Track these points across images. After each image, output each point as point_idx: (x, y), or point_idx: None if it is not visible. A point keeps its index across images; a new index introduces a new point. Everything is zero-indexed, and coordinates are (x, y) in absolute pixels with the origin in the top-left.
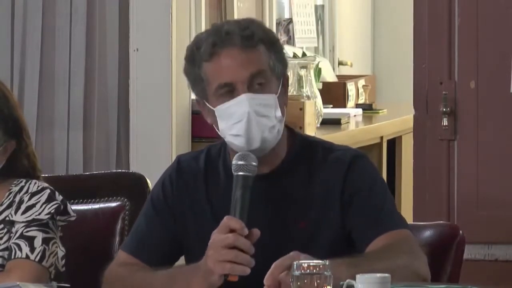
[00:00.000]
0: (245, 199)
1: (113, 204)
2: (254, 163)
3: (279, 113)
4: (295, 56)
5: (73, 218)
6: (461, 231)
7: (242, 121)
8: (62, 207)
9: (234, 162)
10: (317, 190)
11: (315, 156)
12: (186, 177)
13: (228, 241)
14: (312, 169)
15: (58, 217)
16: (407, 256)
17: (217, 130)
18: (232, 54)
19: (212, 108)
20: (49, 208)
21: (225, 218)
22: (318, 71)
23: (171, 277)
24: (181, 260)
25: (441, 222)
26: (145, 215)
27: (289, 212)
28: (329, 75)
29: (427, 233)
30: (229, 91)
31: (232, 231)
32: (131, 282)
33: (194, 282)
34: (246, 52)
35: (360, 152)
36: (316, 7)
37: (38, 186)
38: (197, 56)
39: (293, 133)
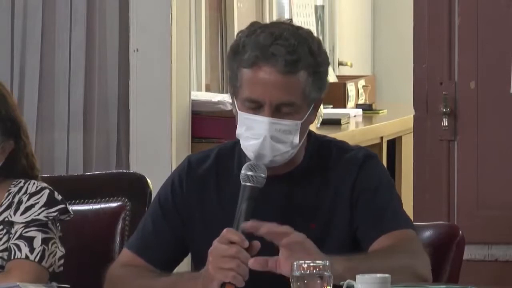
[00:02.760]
0: (249, 212)
1: (114, 205)
2: (263, 175)
3: (296, 140)
4: None
5: (69, 218)
6: (461, 232)
7: (257, 141)
8: (63, 209)
9: (243, 171)
10: (331, 191)
11: (330, 157)
12: (196, 178)
13: (230, 252)
14: (326, 170)
15: (59, 217)
16: (408, 257)
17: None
18: (270, 74)
19: (237, 108)
20: (49, 213)
21: (225, 230)
22: None
23: (172, 284)
24: (186, 261)
25: (441, 222)
26: (152, 215)
27: (303, 212)
28: (329, 75)
29: (427, 233)
30: (255, 107)
31: (232, 243)
32: (132, 287)
33: None
34: (284, 77)
35: (371, 152)
36: (316, 7)
37: (37, 187)
38: (240, 55)
39: (308, 134)
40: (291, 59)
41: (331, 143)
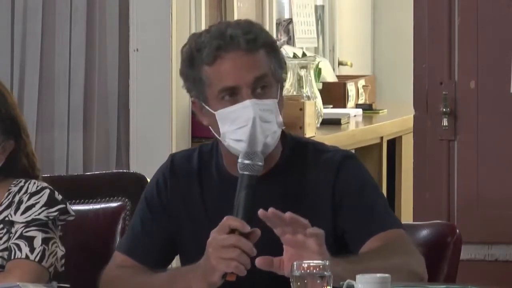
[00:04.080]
0: (248, 200)
1: (114, 204)
2: (260, 163)
3: (280, 119)
4: (295, 56)
5: (71, 218)
6: (458, 230)
7: (247, 126)
8: (64, 209)
9: (240, 160)
10: (309, 192)
11: (307, 157)
12: (180, 176)
13: (230, 241)
14: (303, 171)
15: (59, 217)
16: (402, 256)
17: (213, 133)
18: (237, 57)
19: (212, 111)
20: (49, 213)
21: (225, 218)
22: (318, 71)
23: (170, 278)
24: (177, 260)
25: (438, 221)
26: (140, 214)
27: (286, 208)
28: (329, 75)
29: (424, 232)
30: (232, 95)
31: (232, 231)
32: (130, 285)
33: (194, 282)
34: (249, 56)
35: (350, 153)
36: (316, 7)
37: (38, 186)
38: (197, 59)
39: (283, 134)
40: (250, 38)
41: (308, 144)
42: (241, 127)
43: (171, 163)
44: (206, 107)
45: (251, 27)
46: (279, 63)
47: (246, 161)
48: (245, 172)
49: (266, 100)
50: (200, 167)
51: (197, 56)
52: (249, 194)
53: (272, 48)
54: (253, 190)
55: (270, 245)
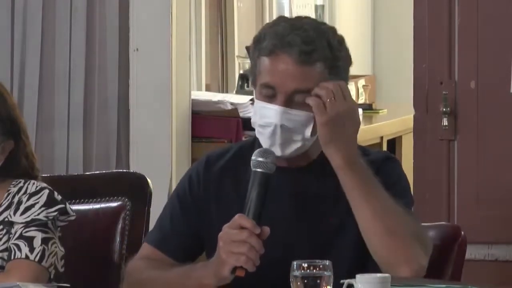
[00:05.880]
0: (260, 198)
1: (114, 204)
2: (274, 161)
3: (308, 133)
4: None
5: (72, 218)
6: (462, 232)
7: (268, 128)
8: (63, 209)
9: (253, 157)
10: (343, 192)
11: None
12: (213, 172)
13: (241, 237)
14: None
15: (58, 217)
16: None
17: None
18: (287, 63)
19: (254, 97)
20: (49, 213)
21: (237, 216)
22: None
23: (184, 273)
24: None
25: (443, 223)
26: (170, 208)
27: (320, 205)
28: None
29: (429, 234)
30: (270, 93)
31: (243, 228)
32: (147, 276)
33: (204, 277)
34: (299, 67)
35: (392, 156)
36: (316, 7)
37: (37, 187)
38: (260, 45)
39: None
40: (306, 49)
41: None
42: (265, 126)
43: (206, 159)
44: (254, 91)
45: (318, 37)
46: (335, 80)
47: (260, 159)
48: (258, 169)
49: (298, 112)
50: (237, 160)
51: (261, 41)
52: (260, 193)
53: (332, 64)
54: (265, 189)
55: (279, 243)
